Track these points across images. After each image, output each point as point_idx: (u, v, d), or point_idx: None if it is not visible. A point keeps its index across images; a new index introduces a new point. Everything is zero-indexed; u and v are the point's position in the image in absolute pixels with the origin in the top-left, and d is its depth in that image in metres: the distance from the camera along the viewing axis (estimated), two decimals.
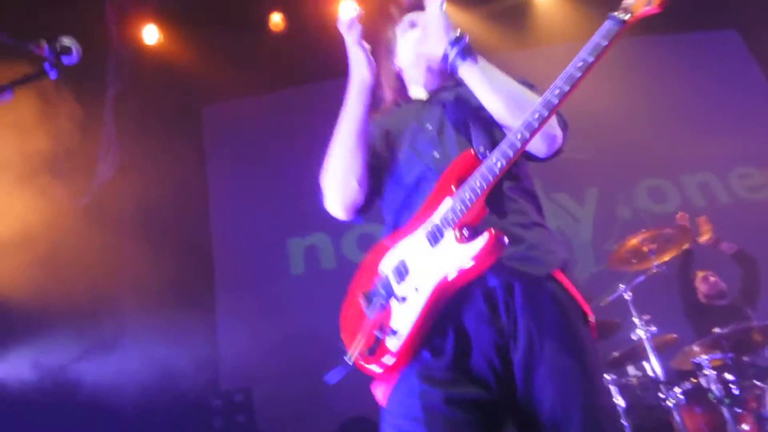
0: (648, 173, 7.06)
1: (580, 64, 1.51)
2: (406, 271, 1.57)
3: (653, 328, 4.06)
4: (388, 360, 1.53)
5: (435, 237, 1.55)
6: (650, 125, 7.00)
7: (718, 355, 3.84)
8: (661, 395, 3.89)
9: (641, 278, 4.36)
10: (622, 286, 4.29)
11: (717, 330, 3.87)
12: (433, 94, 1.92)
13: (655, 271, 4.35)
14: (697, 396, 3.86)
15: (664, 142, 6.92)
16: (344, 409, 5.37)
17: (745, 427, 3.59)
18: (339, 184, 1.80)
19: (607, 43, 1.49)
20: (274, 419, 5.47)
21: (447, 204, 1.56)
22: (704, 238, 5.00)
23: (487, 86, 1.70)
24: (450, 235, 1.51)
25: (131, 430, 5.06)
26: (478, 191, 1.52)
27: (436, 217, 1.57)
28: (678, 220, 4.97)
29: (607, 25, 1.51)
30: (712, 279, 4.94)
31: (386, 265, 1.63)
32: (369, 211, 1.92)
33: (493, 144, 1.66)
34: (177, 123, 6.46)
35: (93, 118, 5.41)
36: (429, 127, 1.81)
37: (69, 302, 4.58)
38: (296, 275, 6.58)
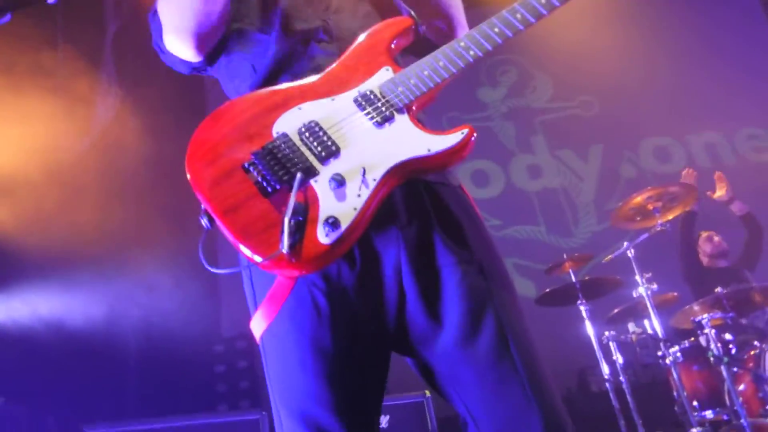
0: (653, 132, 6.98)
1: None
2: (335, 146, 1.19)
3: (654, 286, 4.06)
4: (315, 256, 1.11)
5: (379, 111, 1.23)
6: (656, 84, 6.89)
7: (718, 314, 3.85)
8: (659, 353, 3.92)
9: (645, 236, 4.34)
10: (625, 244, 4.27)
11: (719, 290, 3.87)
12: None
13: (659, 229, 4.32)
14: (695, 355, 3.90)
15: (670, 102, 6.83)
16: None
17: (741, 386, 3.63)
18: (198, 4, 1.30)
19: None
20: None
21: (386, 74, 1.28)
22: (719, 194, 4.96)
23: None
24: (404, 115, 1.24)
25: (134, 374, 5.11)
26: (444, 74, 1.27)
27: (372, 86, 1.26)
28: (684, 177, 4.93)
29: None
30: (716, 239, 4.93)
31: (284, 125, 1.22)
32: (214, 60, 1.45)
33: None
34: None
35: (92, 57, 5.27)
36: None
37: (68, 244, 4.54)
38: None
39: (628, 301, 4.28)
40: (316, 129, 1.22)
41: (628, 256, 4.22)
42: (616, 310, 4.34)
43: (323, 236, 1.11)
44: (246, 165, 1.18)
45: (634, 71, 6.93)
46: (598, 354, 4.10)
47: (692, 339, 3.97)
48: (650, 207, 4.39)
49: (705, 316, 3.82)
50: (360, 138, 1.22)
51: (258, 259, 1.11)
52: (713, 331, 3.71)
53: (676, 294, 4.43)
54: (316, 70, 1.33)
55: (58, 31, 4.72)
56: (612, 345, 4.09)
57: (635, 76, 6.92)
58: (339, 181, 1.16)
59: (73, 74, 4.79)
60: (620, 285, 4.40)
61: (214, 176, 1.18)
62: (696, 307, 3.99)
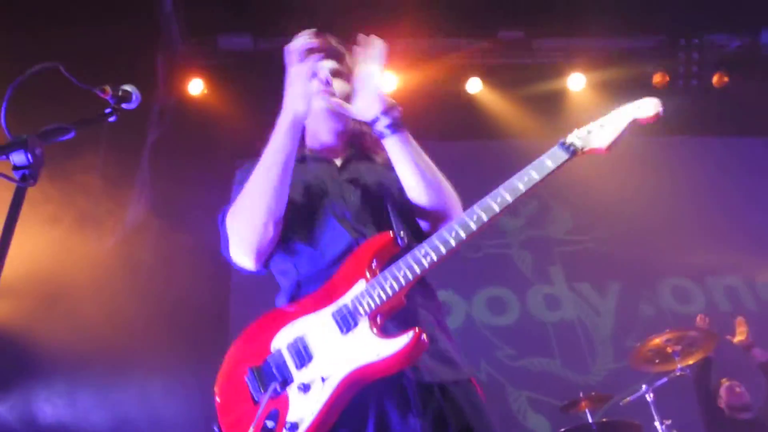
0: (672, 272, 6.97)
1: (526, 179, 1.50)
2: (309, 356, 1.41)
3: None
4: None
5: (347, 323, 1.42)
6: (677, 224, 6.96)
7: None
8: None
9: (664, 380, 4.24)
10: (644, 386, 4.16)
11: None
12: (347, 162, 1.83)
13: (678, 374, 4.22)
14: None
15: (690, 242, 6.86)
16: None
17: None
18: (255, 226, 1.58)
19: (553, 166, 1.48)
20: None
21: (360, 287, 1.46)
22: (740, 339, 4.86)
23: (411, 162, 1.66)
24: (365, 324, 1.40)
25: None
26: (402, 282, 1.44)
27: (348, 299, 1.45)
28: (697, 323, 4.86)
29: (555, 149, 1.51)
30: (737, 390, 4.76)
31: (281, 341, 1.47)
32: (269, 264, 1.72)
33: (407, 229, 1.64)
34: (210, 173, 6.57)
35: (126, 163, 5.51)
36: (348, 197, 1.71)
37: (78, 346, 4.53)
38: None
39: None
40: (299, 343, 1.44)
41: (646, 399, 4.09)
42: None
43: None
44: (246, 378, 1.46)
45: (653, 209, 7.04)
46: None
47: None
48: (669, 350, 4.32)
49: None
50: (328, 348, 1.40)
51: None
52: None
53: None
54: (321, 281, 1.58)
55: (101, 136, 4.99)
56: None
57: (655, 214, 7.01)
58: (304, 388, 1.35)
59: (108, 177, 5.01)
60: (639, 430, 4.22)
61: (227, 385, 1.50)
62: None
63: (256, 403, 1.40)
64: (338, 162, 1.83)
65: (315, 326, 1.44)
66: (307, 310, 1.49)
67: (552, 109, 7.37)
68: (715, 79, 7.16)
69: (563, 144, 1.51)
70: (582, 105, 7.48)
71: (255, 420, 1.33)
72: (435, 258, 1.46)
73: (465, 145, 7.76)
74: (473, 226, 1.49)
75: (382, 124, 1.64)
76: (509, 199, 1.50)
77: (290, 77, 1.66)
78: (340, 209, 1.67)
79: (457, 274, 6.84)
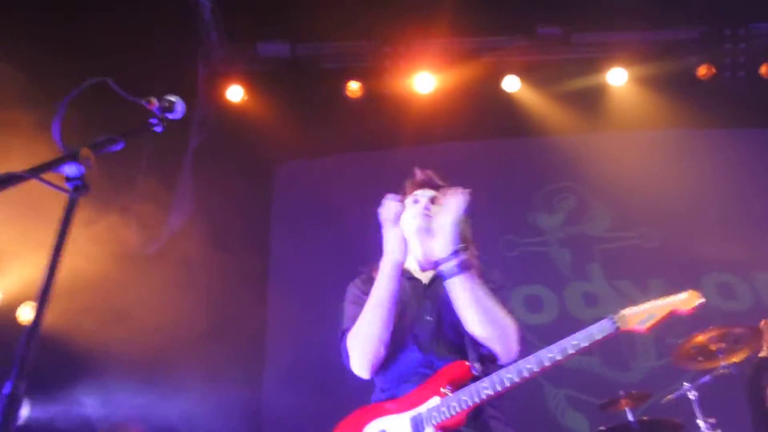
0: (716, 268, 6.79)
1: (575, 342, 1.83)
2: None
3: None
4: None
5: (418, 428, 1.87)
6: (721, 219, 6.79)
7: None
8: None
9: (707, 378, 4.16)
10: (686, 384, 4.09)
11: None
12: (433, 282, 2.18)
13: (722, 371, 4.14)
14: None
15: (735, 237, 6.68)
16: None
17: None
18: (369, 350, 2.00)
19: (600, 337, 1.84)
20: None
21: (434, 402, 1.88)
22: None
23: (472, 302, 1.96)
24: (431, 431, 1.84)
25: None
26: (464, 405, 1.84)
27: (423, 409, 1.89)
28: (761, 327, 4.67)
29: (605, 323, 1.86)
30: None
31: (370, 430, 1.94)
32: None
33: (476, 353, 1.99)
34: (249, 178, 6.71)
35: (168, 170, 5.66)
36: (428, 318, 2.08)
37: (121, 350, 4.66)
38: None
39: None
40: None
41: (689, 397, 4.02)
42: None
43: None
44: None
45: (697, 204, 6.88)
46: None
47: None
48: (713, 348, 4.24)
49: None
50: None
51: None
52: None
53: None
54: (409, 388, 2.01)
55: (144, 142, 5.15)
56: None
57: (698, 209, 6.86)
58: None
59: (152, 183, 5.17)
60: (681, 429, 4.16)
61: None
62: None
63: None
64: (425, 280, 2.21)
65: (395, 425, 1.90)
66: (391, 411, 1.94)
67: (592, 105, 7.29)
68: (763, 69, 6.96)
69: (612, 320, 1.86)
70: (624, 100, 7.37)
71: None
72: (492, 393, 1.83)
73: (503, 143, 7.74)
74: (526, 374, 1.83)
75: (449, 265, 1.98)
76: (559, 357, 1.84)
77: (386, 229, 2.07)
78: (420, 329, 2.06)
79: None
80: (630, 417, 4.17)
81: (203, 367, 5.11)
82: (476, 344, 2.00)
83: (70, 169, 1.43)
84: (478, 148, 7.61)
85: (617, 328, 1.82)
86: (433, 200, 2.24)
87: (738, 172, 7.06)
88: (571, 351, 1.81)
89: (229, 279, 5.57)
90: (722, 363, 4.17)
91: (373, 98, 6.95)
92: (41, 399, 4.40)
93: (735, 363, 4.31)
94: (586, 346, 1.81)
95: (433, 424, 1.85)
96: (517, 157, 7.61)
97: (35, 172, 1.34)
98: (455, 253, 1.98)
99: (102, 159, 1.58)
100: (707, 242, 6.69)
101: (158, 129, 1.77)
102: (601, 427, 4.19)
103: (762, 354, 4.44)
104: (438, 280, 2.12)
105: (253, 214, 6.69)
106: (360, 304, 2.09)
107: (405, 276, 2.17)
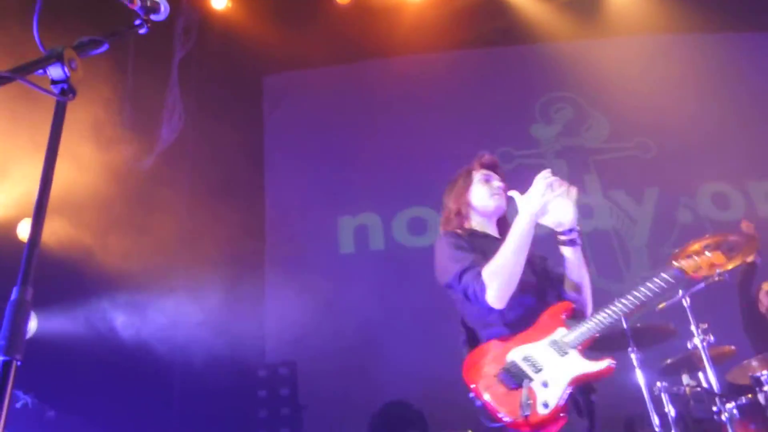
0: (712, 177, 6.80)
1: (654, 285, 2.35)
2: (539, 368, 2.24)
3: (711, 338, 3.91)
4: (538, 421, 2.14)
5: (563, 351, 2.26)
6: (717, 128, 6.73)
7: None
8: (714, 408, 3.75)
9: (701, 285, 4.20)
10: (680, 292, 4.14)
11: None
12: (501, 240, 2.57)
13: (717, 279, 4.18)
14: (752, 412, 3.70)
15: (731, 147, 6.64)
16: (386, 391, 5.41)
17: None
18: (510, 286, 2.33)
19: (673, 281, 2.31)
20: (317, 395, 5.48)
21: (562, 331, 2.30)
22: None
23: (579, 269, 2.49)
24: (575, 352, 2.25)
25: (177, 390, 5.17)
26: (594, 332, 2.27)
27: (557, 337, 2.30)
28: (743, 229, 4.77)
29: (674, 271, 2.34)
30: None
31: (513, 357, 2.29)
32: None
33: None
34: (238, 90, 6.51)
35: (154, 83, 5.48)
36: (537, 269, 2.58)
37: (122, 262, 4.67)
38: (345, 254, 6.61)
39: (682, 352, 4.12)
40: (529, 359, 2.27)
41: (683, 304, 4.08)
42: (669, 361, 4.18)
43: (543, 410, 2.13)
44: (498, 375, 2.26)
45: (695, 115, 6.79)
46: (649, 405, 3.95)
47: (750, 396, 3.79)
48: (708, 255, 4.26)
49: (765, 372, 3.66)
50: (552, 363, 2.25)
51: (507, 419, 2.15)
52: None
53: (733, 347, 4.25)
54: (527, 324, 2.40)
55: (129, 57, 4.94)
56: (664, 396, 3.93)
57: (696, 120, 6.76)
58: (544, 385, 2.18)
59: (141, 98, 5.00)
60: (674, 334, 4.25)
61: (481, 379, 2.28)
62: (755, 363, 3.83)
63: (510, 389, 2.20)
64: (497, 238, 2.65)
65: (537, 351, 2.29)
66: (526, 340, 2.33)
67: (591, 9, 7.06)
68: None
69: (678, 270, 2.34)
70: (623, 2, 7.13)
71: (522, 397, 2.15)
72: (611, 321, 2.28)
73: (498, 52, 7.51)
74: (631, 306, 2.34)
75: (572, 236, 2.46)
76: (639, 300, 2.34)
77: (535, 190, 2.40)
78: (531, 276, 2.49)
79: None
80: (624, 324, 4.24)
81: (191, 277, 5.14)
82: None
83: (55, 71, 1.33)
84: (472, 57, 7.39)
85: (685, 274, 2.31)
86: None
87: (736, 79, 6.93)
88: (649, 293, 2.31)
89: (224, 194, 5.51)
90: (717, 270, 4.20)
91: (362, 5, 6.65)
92: (46, 312, 4.42)
93: (728, 270, 4.35)
94: (661, 289, 2.33)
95: (574, 347, 2.24)
96: (512, 66, 7.41)
97: (19, 72, 1.24)
98: (573, 229, 2.45)
99: (87, 62, 1.47)
100: (704, 152, 6.66)
101: (143, 31, 1.66)
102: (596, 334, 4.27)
103: (749, 259, 4.50)
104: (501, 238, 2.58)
105: (244, 128, 6.54)
106: (466, 249, 2.49)
107: (480, 235, 2.65)
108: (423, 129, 6.98)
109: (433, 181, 6.81)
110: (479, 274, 2.39)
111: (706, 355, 3.85)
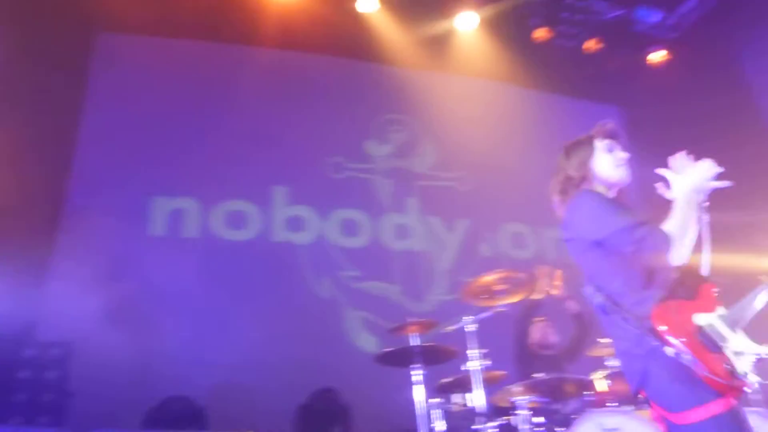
0: (513, 218, 7.50)
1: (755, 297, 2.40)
2: (724, 338, 2.27)
3: (488, 362, 4.29)
4: (738, 386, 2.20)
5: (733, 326, 2.31)
6: (523, 176, 7.30)
7: (535, 398, 4.13)
8: (475, 427, 4.10)
9: (487, 314, 4.58)
10: (468, 318, 4.48)
11: (539, 375, 4.17)
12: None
13: (500, 309, 4.59)
14: None
15: (532, 194, 7.32)
16: (170, 385, 5.19)
17: None
18: (687, 249, 2.36)
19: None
20: (90, 382, 4.95)
21: (723, 311, 2.34)
22: (554, 291, 5.34)
23: (695, 234, 2.43)
24: (741, 332, 2.31)
25: None
26: (747, 319, 2.35)
27: (723, 312, 2.34)
28: (538, 272, 5.25)
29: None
30: (546, 330, 5.30)
31: (699, 322, 2.31)
32: None
33: None
34: (65, 46, 5.92)
35: None
36: None
37: None
38: (154, 236, 6.25)
39: (461, 373, 4.46)
40: (714, 327, 2.29)
41: (469, 330, 4.42)
42: (446, 380, 4.51)
43: (750, 378, 2.19)
44: (698, 335, 2.26)
45: (509, 160, 7.46)
46: (418, 419, 4.23)
47: (505, 418, 4.20)
48: (496, 288, 4.66)
49: (523, 398, 4.09)
50: (731, 336, 2.29)
51: (713, 378, 2.16)
52: (527, 413, 3.97)
53: (505, 372, 4.69)
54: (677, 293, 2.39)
55: None
56: (435, 412, 4.23)
57: (508, 165, 7.44)
58: (737, 354, 2.23)
59: None
60: (455, 356, 4.58)
61: (687, 336, 2.26)
62: (515, 388, 4.24)
63: (711, 351, 2.21)
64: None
65: (714, 321, 2.31)
66: (702, 309, 2.34)
67: (442, 46, 7.50)
68: (588, 44, 7.56)
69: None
70: (470, 46, 7.66)
71: (725, 362, 2.20)
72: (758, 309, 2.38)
73: (349, 64, 7.65)
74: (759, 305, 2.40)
75: (704, 203, 2.42)
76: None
77: (695, 184, 2.40)
78: None
79: (317, 191, 6.89)
80: (413, 342, 4.49)
81: None
82: None
83: None
84: (326, 63, 7.46)
85: None
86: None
87: (547, 135, 7.72)
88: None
89: (30, 149, 4.96)
90: (501, 302, 4.62)
91: None
92: None
93: (512, 303, 4.80)
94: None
95: (740, 327, 2.31)
96: (361, 80, 7.59)
97: None
98: (704, 202, 2.45)
99: None
100: (510, 194, 7.33)
101: None
102: (386, 348, 4.49)
103: (533, 297, 5.02)
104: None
105: (67, 87, 5.95)
106: (622, 207, 2.48)
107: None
108: (264, 124, 6.89)
109: (260, 178, 6.79)
110: (658, 229, 2.37)
111: (478, 377, 4.21)
